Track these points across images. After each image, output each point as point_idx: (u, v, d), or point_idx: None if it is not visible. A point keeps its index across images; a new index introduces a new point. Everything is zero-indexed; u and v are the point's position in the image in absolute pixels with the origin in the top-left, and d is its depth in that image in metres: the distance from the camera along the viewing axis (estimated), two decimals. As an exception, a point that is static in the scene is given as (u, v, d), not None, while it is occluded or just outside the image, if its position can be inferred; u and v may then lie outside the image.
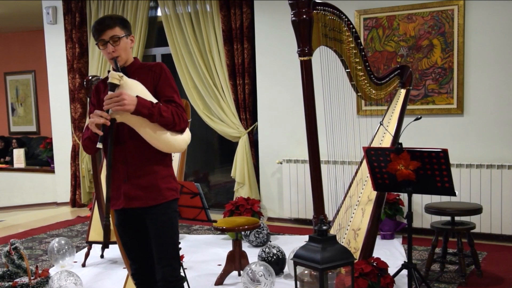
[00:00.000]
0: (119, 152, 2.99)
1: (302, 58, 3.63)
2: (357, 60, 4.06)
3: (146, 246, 3.11)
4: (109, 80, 2.83)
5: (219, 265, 5.09)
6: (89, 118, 2.92)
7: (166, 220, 3.03)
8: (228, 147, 7.59)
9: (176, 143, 2.98)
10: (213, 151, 8.42)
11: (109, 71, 2.93)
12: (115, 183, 3.02)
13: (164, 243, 3.03)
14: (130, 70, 3.05)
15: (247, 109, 7.05)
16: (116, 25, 2.98)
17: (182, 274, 3.89)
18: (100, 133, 2.80)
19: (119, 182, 3.00)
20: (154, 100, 2.92)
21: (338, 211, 4.34)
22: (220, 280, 4.68)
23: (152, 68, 3.06)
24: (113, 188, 3.04)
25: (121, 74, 2.86)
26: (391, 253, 5.34)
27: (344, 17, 3.88)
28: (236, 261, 4.72)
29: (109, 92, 2.83)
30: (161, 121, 2.88)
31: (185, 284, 3.48)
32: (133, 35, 3.13)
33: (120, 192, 3.01)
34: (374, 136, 4.70)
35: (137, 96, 2.83)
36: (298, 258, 2.98)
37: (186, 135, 3.06)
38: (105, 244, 2.90)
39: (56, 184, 8.89)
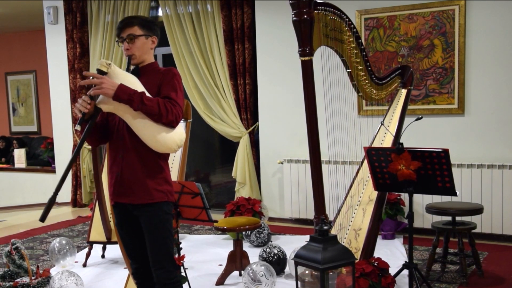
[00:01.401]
0: (118, 147, 3.04)
1: (303, 58, 3.64)
2: (358, 60, 4.06)
3: (146, 248, 3.12)
4: (97, 67, 2.88)
5: (220, 265, 5.09)
6: None
7: (157, 222, 3.02)
8: (229, 147, 7.59)
9: (163, 140, 2.93)
10: (214, 151, 8.43)
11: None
12: (113, 178, 3.07)
13: (156, 246, 3.03)
14: (144, 71, 3.09)
15: (248, 109, 7.05)
16: (135, 25, 3.05)
17: (183, 274, 3.90)
18: (80, 115, 2.84)
19: (116, 175, 3.04)
20: (142, 90, 2.92)
21: (339, 211, 4.34)
22: (221, 280, 4.68)
23: (163, 71, 3.09)
24: (111, 185, 3.09)
25: (109, 62, 2.91)
26: (392, 253, 5.34)
27: (345, 17, 3.88)
28: (237, 261, 4.72)
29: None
30: (144, 109, 2.85)
31: (186, 284, 3.48)
32: (156, 37, 3.14)
33: (113, 187, 3.07)
34: (375, 136, 4.70)
35: (120, 83, 2.84)
36: (299, 258, 2.98)
37: (176, 135, 3.00)
38: (43, 217, 2.83)
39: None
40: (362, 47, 4.09)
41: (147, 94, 2.92)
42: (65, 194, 8.65)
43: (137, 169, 2.99)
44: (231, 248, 4.79)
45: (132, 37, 3.03)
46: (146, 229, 3.04)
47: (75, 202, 8.46)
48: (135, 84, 2.93)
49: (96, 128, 3.01)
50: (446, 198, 5.40)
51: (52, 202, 2.75)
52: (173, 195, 3.16)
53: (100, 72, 2.87)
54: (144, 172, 3.00)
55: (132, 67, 3.11)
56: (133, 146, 2.99)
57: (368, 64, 4.19)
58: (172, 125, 2.95)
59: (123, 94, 2.82)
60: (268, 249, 4.81)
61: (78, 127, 2.83)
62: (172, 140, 2.98)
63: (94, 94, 2.84)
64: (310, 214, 6.49)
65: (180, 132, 3.03)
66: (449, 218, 4.63)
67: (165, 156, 3.10)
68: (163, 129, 2.93)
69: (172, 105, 2.93)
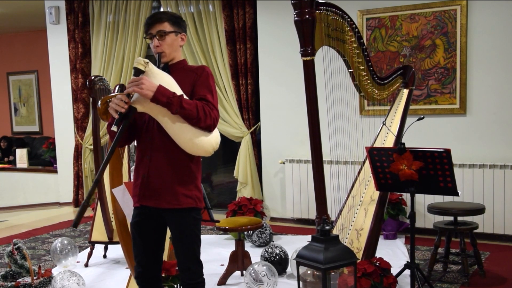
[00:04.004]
0: (145, 147, 2.97)
1: (304, 58, 3.64)
2: (359, 60, 4.06)
3: (156, 251, 3.10)
4: (135, 65, 2.81)
5: (222, 265, 5.09)
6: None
7: (185, 229, 2.99)
8: (231, 147, 7.59)
9: (200, 144, 2.90)
10: (215, 151, 8.40)
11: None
12: (139, 178, 3.01)
13: (183, 250, 3.01)
14: (173, 69, 3.02)
15: (250, 109, 7.05)
16: (165, 21, 2.97)
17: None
18: (116, 116, 2.77)
19: (141, 178, 2.99)
20: (180, 93, 2.85)
21: (341, 211, 4.34)
22: (222, 280, 4.69)
23: (195, 70, 3.02)
24: (136, 185, 3.03)
25: (147, 60, 2.82)
26: (394, 253, 5.34)
27: (346, 17, 3.88)
28: (238, 261, 4.72)
29: (132, 77, 2.81)
30: (183, 113, 2.80)
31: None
32: (185, 34, 3.08)
33: (138, 189, 3.00)
34: (377, 136, 4.70)
35: (159, 85, 2.78)
36: (301, 258, 2.98)
37: (213, 139, 2.97)
38: (75, 224, 2.84)
39: (58, 184, 8.90)
40: (364, 47, 4.08)
41: (185, 96, 2.86)
42: (67, 194, 8.67)
43: (165, 172, 2.93)
44: (233, 248, 4.79)
45: (163, 33, 2.95)
46: (173, 233, 3.02)
47: (77, 202, 8.46)
48: (172, 84, 2.86)
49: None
50: (448, 198, 5.40)
51: (84, 208, 2.78)
52: (202, 201, 3.08)
53: (137, 70, 2.80)
54: (173, 175, 2.93)
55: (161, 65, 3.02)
56: (163, 148, 2.92)
57: (370, 64, 4.18)
58: (210, 129, 2.92)
59: (162, 97, 2.75)
60: (270, 249, 4.81)
61: (114, 128, 2.76)
62: (209, 143, 2.95)
63: (132, 92, 2.77)
64: (312, 214, 6.50)
65: (216, 135, 3.00)
66: (451, 218, 4.63)
67: (197, 160, 3.03)
68: (201, 132, 2.89)
69: (210, 109, 2.88)
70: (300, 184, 6.68)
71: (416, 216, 3.95)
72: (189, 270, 3.02)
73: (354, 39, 3.97)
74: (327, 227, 2.94)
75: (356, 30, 3.97)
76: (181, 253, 3.02)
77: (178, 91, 2.86)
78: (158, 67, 2.97)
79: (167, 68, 3.02)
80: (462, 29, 5.75)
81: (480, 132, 5.80)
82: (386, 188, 3.90)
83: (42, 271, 4.59)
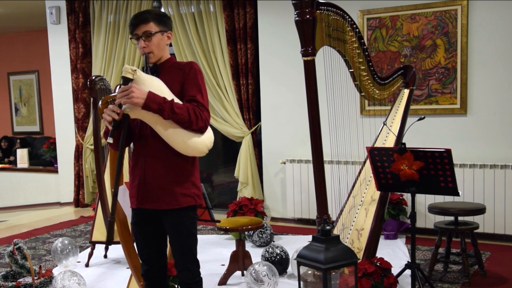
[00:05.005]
0: (140, 149, 2.98)
1: (305, 58, 3.64)
2: (360, 60, 4.06)
3: (159, 249, 3.11)
4: (123, 74, 2.79)
5: (223, 265, 5.10)
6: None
7: (183, 228, 2.99)
8: (231, 147, 7.59)
9: (193, 145, 2.88)
10: (216, 151, 8.42)
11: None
12: (135, 180, 3.00)
13: (181, 249, 3.01)
14: (163, 68, 3.01)
15: (251, 109, 7.05)
16: (150, 20, 2.94)
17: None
18: (110, 127, 2.77)
19: (138, 180, 2.98)
20: (171, 98, 2.84)
21: (341, 211, 4.34)
22: (223, 280, 4.69)
23: (183, 67, 3.00)
24: (133, 186, 3.02)
25: (134, 68, 2.81)
26: (395, 253, 5.34)
27: (347, 17, 3.88)
28: (239, 261, 4.72)
29: (122, 86, 2.80)
30: (175, 118, 2.79)
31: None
32: (171, 32, 3.05)
33: (135, 191, 3.00)
34: (378, 136, 4.69)
35: (149, 92, 2.77)
36: (302, 258, 2.98)
37: (207, 139, 2.95)
38: (108, 241, 2.88)
39: (59, 184, 8.90)
40: (365, 47, 4.08)
41: (176, 100, 2.85)
42: (67, 194, 8.67)
43: (162, 174, 2.93)
44: (234, 248, 4.79)
45: (149, 34, 2.92)
46: (170, 233, 3.02)
47: (78, 202, 8.47)
48: (162, 88, 2.85)
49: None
50: (448, 198, 5.39)
51: (112, 224, 2.77)
52: (201, 198, 3.08)
53: (125, 79, 2.78)
54: (170, 177, 2.93)
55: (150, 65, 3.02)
56: (157, 151, 2.92)
57: (370, 64, 4.18)
58: (201, 131, 2.90)
59: (152, 104, 2.74)
60: (270, 249, 4.81)
61: (110, 140, 2.77)
62: (203, 143, 2.93)
63: (123, 103, 2.76)
64: (313, 214, 6.50)
65: (209, 135, 2.98)
66: (451, 218, 4.63)
67: (193, 159, 3.02)
68: (193, 134, 2.87)
69: (200, 111, 2.87)
70: (300, 184, 6.68)
71: (416, 216, 3.96)
72: (188, 270, 3.03)
73: (354, 39, 3.97)
74: (328, 227, 2.94)
75: (357, 30, 3.97)
76: (179, 253, 3.02)
77: (169, 95, 2.85)
78: (147, 68, 2.97)
79: (156, 68, 3.01)
80: (462, 29, 5.75)
81: (481, 132, 5.80)
82: (387, 188, 3.90)
83: (43, 271, 4.59)
